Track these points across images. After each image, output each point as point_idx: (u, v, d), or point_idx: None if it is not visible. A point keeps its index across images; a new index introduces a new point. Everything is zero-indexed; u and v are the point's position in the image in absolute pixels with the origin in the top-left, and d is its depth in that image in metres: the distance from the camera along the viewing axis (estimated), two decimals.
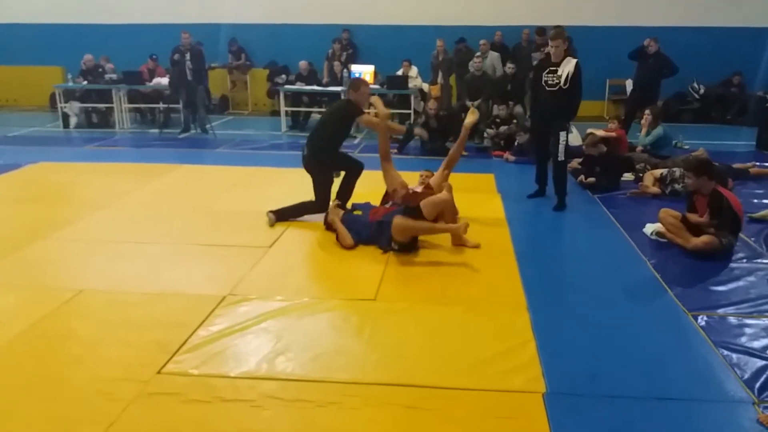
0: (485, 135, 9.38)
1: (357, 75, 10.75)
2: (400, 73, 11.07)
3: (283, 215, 5.44)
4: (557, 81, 5.75)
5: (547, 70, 5.85)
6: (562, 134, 5.85)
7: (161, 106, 11.18)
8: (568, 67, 5.72)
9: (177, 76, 10.19)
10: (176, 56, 10.08)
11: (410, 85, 10.84)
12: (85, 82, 11.08)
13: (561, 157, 5.89)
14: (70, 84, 11.13)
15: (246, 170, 7.60)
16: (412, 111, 10.66)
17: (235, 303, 3.88)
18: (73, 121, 11.00)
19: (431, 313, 3.81)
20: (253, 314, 3.73)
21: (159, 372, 3.11)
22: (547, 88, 5.83)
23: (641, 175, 6.90)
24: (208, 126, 10.42)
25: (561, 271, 4.60)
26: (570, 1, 12.09)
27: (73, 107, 11.01)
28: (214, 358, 3.25)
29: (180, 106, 10.59)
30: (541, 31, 10.50)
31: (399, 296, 4.05)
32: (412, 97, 10.72)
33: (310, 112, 11.35)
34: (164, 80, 10.78)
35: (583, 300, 4.07)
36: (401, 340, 3.47)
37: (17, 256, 4.68)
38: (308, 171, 5.51)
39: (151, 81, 11.07)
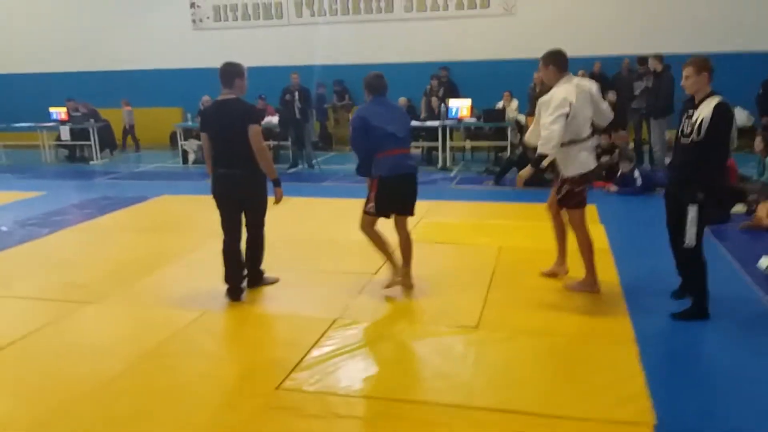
0: None
1: (454, 110, 11.01)
2: (500, 105, 11.19)
3: (254, 273, 4.86)
4: (690, 130, 4.02)
5: (687, 114, 4.11)
6: (692, 209, 4.02)
7: (271, 143, 11.91)
8: (705, 109, 3.94)
9: (287, 114, 10.88)
10: (287, 96, 10.77)
11: (507, 117, 10.91)
12: None
13: (688, 242, 4.09)
14: (189, 123, 12.12)
15: (349, 202, 7.91)
16: (508, 143, 10.72)
17: (344, 326, 4.10)
18: (191, 157, 11.92)
19: (535, 342, 3.84)
20: (361, 337, 3.94)
21: (277, 388, 3.34)
22: (681, 140, 4.12)
23: (754, 206, 6.58)
24: (314, 161, 11.00)
25: (670, 305, 4.45)
26: (672, 28, 11.79)
27: (192, 144, 11.92)
28: (328, 376, 3.46)
29: (289, 143, 11.26)
30: (642, 60, 10.30)
31: (501, 325, 4.10)
32: (509, 130, 10.78)
33: None
34: (274, 119, 11.49)
35: (694, 335, 3.95)
36: (506, 368, 3.53)
37: (146, 280, 5.15)
38: None
39: (262, 119, 11.85)
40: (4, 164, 12.53)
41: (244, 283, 4.76)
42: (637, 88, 10.11)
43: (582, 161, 4.49)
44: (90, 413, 3.15)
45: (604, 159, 8.91)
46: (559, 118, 4.27)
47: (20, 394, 3.38)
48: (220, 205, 4.65)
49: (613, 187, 8.29)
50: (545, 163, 4.34)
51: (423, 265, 4.95)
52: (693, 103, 4.08)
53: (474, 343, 3.84)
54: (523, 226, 6.55)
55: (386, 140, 4.43)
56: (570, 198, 4.54)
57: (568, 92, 4.35)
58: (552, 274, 4.95)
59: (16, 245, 6.26)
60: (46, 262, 5.76)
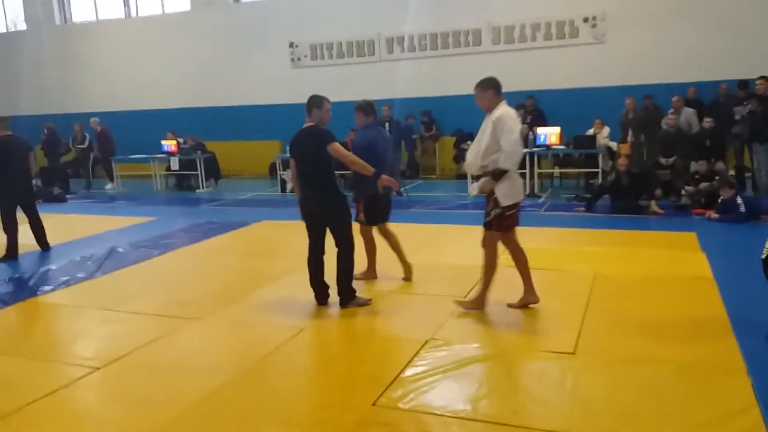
0: (683, 192, 8.89)
1: (543, 137, 10.91)
2: (590, 132, 11.00)
3: (346, 291, 5.04)
4: None
5: None
6: None
7: None
8: None
9: None
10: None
11: (598, 144, 10.70)
12: None
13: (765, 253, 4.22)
14: (287, 155, 12.63)
15: (437, 227, 8.03)
16: (600, 170, 10.48)
17: (437, 347, 4.14)
18: (288, 186, 12.35)
19: (637, 371, 3.69)
20: (454, 358, 3.94)
21: (373, 404, 3.40)
22: None
23: None
24: (402, 189, 11.21)
25: None
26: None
27: (289, 174, 12.44)
28: (422, 395, 3.49)
29: None
30: (743, 84, 9.83)
31: (600, 351, 4.00)
32: (600, 156, 10.55)
33: None
34: None
35: None
36: (607, 397, 3.41)
37: (248, 299, 5.41)
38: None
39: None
40: (121, 192, 13.63)
41: (329, 290, 5.11)
42: (738, 114, 9.64)
43: (520, 188, 4.63)
44: (195, 425, 3.28)
45: (703, 186, 8.53)
46: (518, 135, 4.42)
47: (133, 403, 3.57)
48: (306, 224, 5.07)
49: (714, 215, 7.90)
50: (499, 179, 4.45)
51: (516, 290, 4.92)
52: None
53: (572, 369, 3.76)
54: (618, 253, 6.38)
55: (377, 165, 5.07)
56: (501, 221, 4.57)
57: (513, 112, 4.51)
58: (524, 305, 4.81)
59: (131, 265, 6.78)
60: (156, 280, 6.20)
